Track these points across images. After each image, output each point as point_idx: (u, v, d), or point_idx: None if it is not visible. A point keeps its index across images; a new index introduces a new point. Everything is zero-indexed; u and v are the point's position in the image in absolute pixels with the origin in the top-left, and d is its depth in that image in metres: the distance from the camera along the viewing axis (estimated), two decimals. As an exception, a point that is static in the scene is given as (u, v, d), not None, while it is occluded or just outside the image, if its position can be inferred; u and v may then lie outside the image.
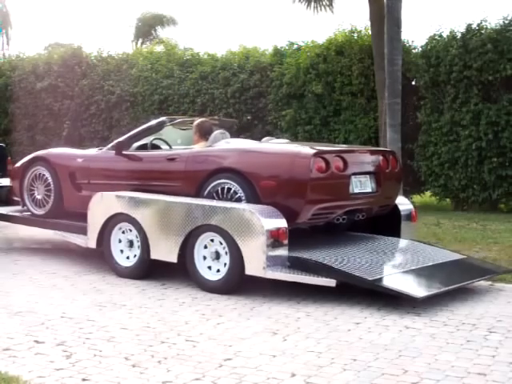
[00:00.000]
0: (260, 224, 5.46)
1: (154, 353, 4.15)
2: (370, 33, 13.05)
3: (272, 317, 5.01)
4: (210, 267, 5.85)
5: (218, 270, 5.80)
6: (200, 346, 4.29)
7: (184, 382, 3.68)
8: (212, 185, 6.17)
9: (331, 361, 4.02)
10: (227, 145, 6.49)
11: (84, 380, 3.69)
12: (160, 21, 33.70)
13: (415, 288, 5.41)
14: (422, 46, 12.83)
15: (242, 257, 5.57)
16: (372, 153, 6.65)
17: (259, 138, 14.06)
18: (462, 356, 4.12)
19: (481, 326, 4.75)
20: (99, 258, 6.77)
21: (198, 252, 5.90)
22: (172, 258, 6.01)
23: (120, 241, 6.51)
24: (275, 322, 4.86)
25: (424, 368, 3.89)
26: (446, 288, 5.35)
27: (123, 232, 6.50)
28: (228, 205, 5.77)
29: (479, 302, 5.44)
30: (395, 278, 5.49)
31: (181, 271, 6.09)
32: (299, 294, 5.50)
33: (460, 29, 12.33)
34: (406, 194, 13.20)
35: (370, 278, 5.27)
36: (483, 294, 5.73)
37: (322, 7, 15.21)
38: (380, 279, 5.36)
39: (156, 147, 7.20)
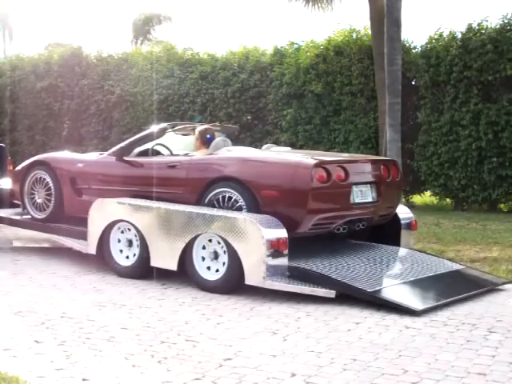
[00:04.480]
0: (260, 234, 5.45)
1: (154, 353, 4.15)
2: (370, 32, 13.06)
3: (272, 317, 5.01)
4: (209, 267, 5.86)
5: (217, 270, 5.81)
6: (200, 346, 4.29)
7: (184, 382, 3.68)
8: (213, 193, 6.15)
9: (331, 361, 4.02)
10: (229, 153, 6.48)
11: (84, 380, 3.69)
12: (158, 19, 33.89)
13: (414, 300, 5.40)
14: (421, 46, 12.84)
15: (240, 259, 5.58)
16: (373, 162, 6.63)
17: (259, 138, 14.22)
18: (461, 356, 4.11)
19: (481, 326, 4.75)
20: (99, 258, 6.76)
21: (197, 253, 5.91)
22: (172, 265, 6.01)
23: (119, 240, 6.51)
24: (275, 322, 4.86)
25: (424, 368, 3.89)
26: (445, 300, 5.36)
27: (122, 232, 6.51)
28: (228, 214, 5.76)
29: (479, 302, 5.44)
30: (394, 289, 5.49)
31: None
32: (299, 294, 5.49)
33: (460, 29, 12.38)
34: (406, 194, 13.25)
35: (370, 290, 5.27)
36: (483, 293, 5.73)
37: (321, 8, 15.21)
38: (379, 291, 5.37)
39: (157, 153, 7.19)
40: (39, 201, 7.58)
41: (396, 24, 10.74)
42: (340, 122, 13.41)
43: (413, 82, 12.95)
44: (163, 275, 6.20)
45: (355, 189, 6.10)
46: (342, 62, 13.28)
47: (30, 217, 7.73)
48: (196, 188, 6.30)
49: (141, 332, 4.59)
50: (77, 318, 4.93)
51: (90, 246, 6.68)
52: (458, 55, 12.00)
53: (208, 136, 6.86)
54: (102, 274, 6.51)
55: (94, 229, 6.62)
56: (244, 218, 5.61)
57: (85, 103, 16.42)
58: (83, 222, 6.77)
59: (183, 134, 7.48)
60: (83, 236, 6.78)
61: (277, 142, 13.37)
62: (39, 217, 7.57)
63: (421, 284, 5.71)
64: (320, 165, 5.85)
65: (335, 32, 13.78)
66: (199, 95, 14.94)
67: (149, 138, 7.09)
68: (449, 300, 5.37)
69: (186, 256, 5.93)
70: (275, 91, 14.09)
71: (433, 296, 5.62)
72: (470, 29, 12.17)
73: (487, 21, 12.14)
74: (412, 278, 5.73)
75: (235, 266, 5.62)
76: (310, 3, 15.14)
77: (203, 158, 6.54)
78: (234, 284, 5.70)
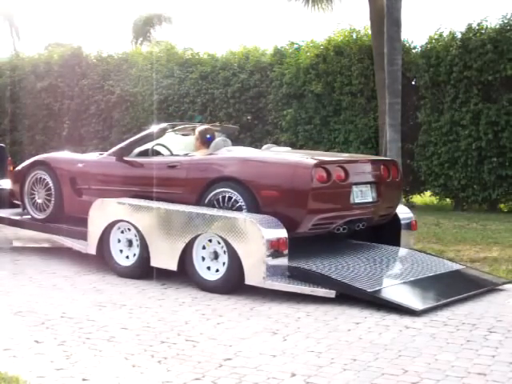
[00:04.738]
0: (260, 234, 5.45)
1: (154, 353, 4.15)
2: (370, 32, 13.07)
3: (272, 317, 5.01)
4: (209, 267, 5.86)
5: (217, 270, 5.81)
6: (200, 346, 4.29)
7: (184, 382, 3.68)
8: (213, 193, 6.15)
9: (331, 361, 4.02)
10: (229, 153, 6.48)
11: (84, 380, 3.69)
12: (158, 19, 33.94)
13: (414, 300, 5.41)
14: (421, 46, 12.84)
15: (240, 259, 5.58)
16: (373, 162, 6.63)
17: (259, 138, 14.22)
18: (461, 356, 4.11)
19: (481, 326, 4.75)
20: (99, 258, 6.76)
21: (197, 253, 5.91)
22: (172, 265, 6.01)
23: (119, 240, 6.51)
24: (275, 322, 4.86)
25: (424, 368, 3.89)
26: (445, 300, 5.36)
27: (122, 232, 6.51)
28: (228, 214, 5.76)
29: (479, 302, 5.44)
30: (394, 289, 5.49)
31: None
32: (299, 294, 5.49)
33: (460, 29, 12.39)
34: (406, 194, 13.25)
35: (370, 290, 5.27)
36: (483, 293, 5.73)
37: (321, 8, 15.22)
38: (379, 291, 5.37)
39: (157, 153, 7.18)
40: (39, 201, 7.58)
41: (396, 24, 10.74)
42: (340, 122, 13.41)
43: (413, 82, 12.96)
44: (163, 275, 6.20)
45: (355, 189, 6.10)
46: (341, 61, 13.29)
47: (29, 217, 7.73)
48: (196, 188, 6.30)
49: (141, 332, 4.59)
50: (77, 317, 4.93)
51: (90, 246, 6.68)
52: (458, 55, 12.00)
53: (208, 136, 6.86)
54: (102, 274, 6.51)
55: (94, 229, 6.62)
56: (244, 218, 5.61)
57: (85, 103, 16.42)
58: (83, 222, 6.78)
59: (183, 134, 7.48)
60: (83, 236, 6.78)
61: (277, 142, 13.37)
62: (39, 217, 7.56)
63: (421, 284, 5.71)
64: (320, 165, 5.85)
65: (335, 32, 13.79)
66: (199, 95, 14.94)
67: (149, 138, 7.08)
68: (449, 300, 5.38)
69: (186, 256, 5.93)
70: (275, 91, 14.09)
71: (433, 296, 5.62)
72: (469, 29, 12.18)
73: (487, 21, 12.16)
74: (412, 278, 5.73)
75: (235, 266, 5.62)
76: (310, 3, 15.15)
77: (203, 158, 6.54)
78: (234, 284, 5.70)
